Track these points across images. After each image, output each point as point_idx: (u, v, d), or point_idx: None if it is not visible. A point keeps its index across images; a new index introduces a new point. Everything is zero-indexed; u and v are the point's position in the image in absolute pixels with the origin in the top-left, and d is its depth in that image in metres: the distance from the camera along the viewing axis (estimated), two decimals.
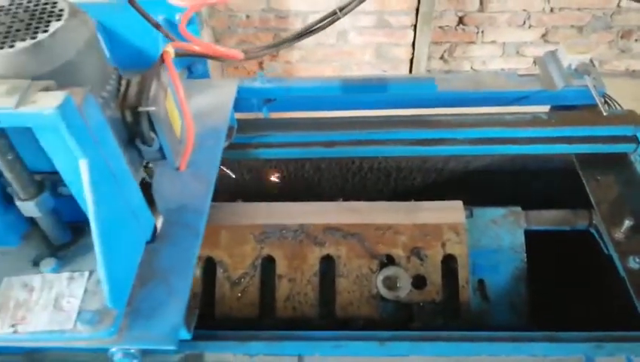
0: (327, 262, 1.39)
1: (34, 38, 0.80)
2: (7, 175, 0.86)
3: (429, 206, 1.44)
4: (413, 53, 3.48)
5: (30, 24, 0.82)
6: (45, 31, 0.81)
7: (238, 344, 1.07)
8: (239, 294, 1.38)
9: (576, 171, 1.51)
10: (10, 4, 0.86)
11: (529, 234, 1.43)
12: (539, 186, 1.59)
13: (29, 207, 0.91)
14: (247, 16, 3.27)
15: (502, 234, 1.42)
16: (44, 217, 0.95)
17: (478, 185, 1.60)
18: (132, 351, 0.96)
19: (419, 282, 1.36)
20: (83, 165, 0.79)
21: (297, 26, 3.27)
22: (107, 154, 0.84)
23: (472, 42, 3.51)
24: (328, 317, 1.36)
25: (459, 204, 1.43)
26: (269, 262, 1.40)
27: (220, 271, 1.39)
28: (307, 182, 1.77)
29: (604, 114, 1.53)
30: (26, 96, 0.73)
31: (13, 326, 0.90)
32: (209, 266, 1.41)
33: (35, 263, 0.98)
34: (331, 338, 1.09)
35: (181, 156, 1.04)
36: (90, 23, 0.87)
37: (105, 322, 0.89)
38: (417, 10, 3.22)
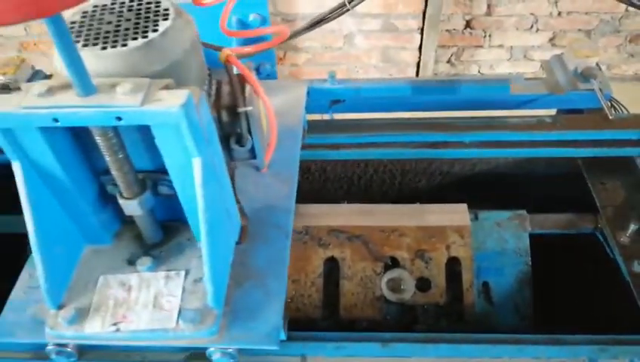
0: (332, 263, 1.40)
1: (145, 37, 0.80)
2: (115, 173, 0.87)
3: (434, 208, 1.44)
4: (419, 57, 3.48)
5: (138, 23, 0.83)
6: (155, 30, 0.81)
7: None
8: None
9: (582, 175, 1.51)
10: (113, 3, 0.87)
11: (534, 238, 1.43)
12: (544, 190, 1.58)
13: (131, 206, 0.91)
14: None
15: (507, 237, 1.42)
16: (143, 216, 0.95)
17: (483, 188, 1.60)
18: (230, 350, 0.94)
19: (423, 284, 1.37)
20: (197, 163, 0.80)
21: None
22: (213, 153, 0.85)
23: (480, 46, 3.51)
24: (332, 319, 1.37)
25: (463, 206, 1.44)
26: None
27: None
28: (312, 184, 1.78)
29: (610, 117, 1.53)
30: (150, 95, 0.74)
31: (115, 324, 0.90)
32: None
33: (130, 262, 0.99)
34: (334, 339, 1.10)
35: (265, 156, 1.05)
36: (192, 22, 0.88)
37: (207, 321, 0.89)
38: (424, 13, 3.22)
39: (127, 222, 1.00)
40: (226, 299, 0.93)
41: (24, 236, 1.52)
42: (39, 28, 3.46)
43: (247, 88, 0.92)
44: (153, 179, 0.92)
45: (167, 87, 0.76)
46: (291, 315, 1.37)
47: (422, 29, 3.32)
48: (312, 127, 1.57)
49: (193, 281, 0.94)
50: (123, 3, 0.87)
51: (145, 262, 0.97)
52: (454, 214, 1.42)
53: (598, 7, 3.27)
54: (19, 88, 1.80)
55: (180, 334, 0.88)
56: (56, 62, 0.83)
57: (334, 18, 1.33)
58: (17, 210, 1.58)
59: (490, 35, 3.44)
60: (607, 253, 1.37)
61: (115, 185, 0.92)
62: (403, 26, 3.32)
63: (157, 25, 0.83)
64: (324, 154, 1.55)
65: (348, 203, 1.58)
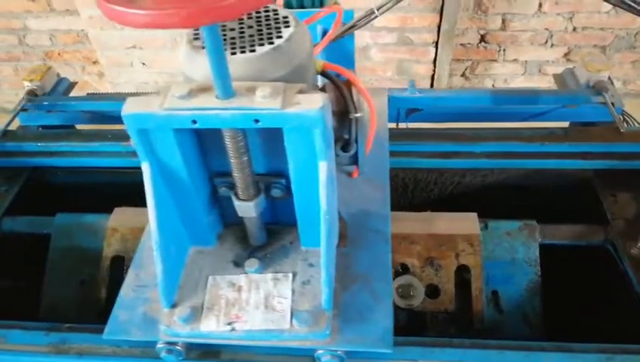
0: None
1: (271, 43, 0.84)
2: (236, 175, 0.90)
3: (444, 217, 1.46)
4: (434, 70, 3.52)
5: (261, 30, 0.87)
6: (279, 36, 0.85)
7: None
8: None
9: (592, 187, 1.52)
10: None
11: (544, 248, 1.44)
12: (554, 201, 1.60)
13: (247, 208, 0.95)
14: None
15: (516, 246, 1.43)
16: (254, 218, 0.98)
17: (494, 199, 1.62)
18: (339, 353, 0.94)
19: (432, 291, 1.38)
20: (323, 167, 0.83)
21: None
22: (332, 157, 0.87)
23: (494, 60, 3.53)
24: None
25: (473, 215, 1.45)
26: None
27: None
28: None
29: (622, 130, 1.55)
30: (288, 98, 0.77)
31: (229, 324, 0.92)
32: None
33: (236, 263, 1.01)
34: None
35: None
36: (307, 29, 0.92)
37: (320, 323, 0.90)
38: (439, 27, 3.26)
39: (229, 224, 1.03)
40: (334, 302, 0.94)
41: (45, 237, 1.58)
42: (64, 38, 3.57)
43: (355, 94, 0.93)
44: (266, 182, 0.95)
45: (301, 91, 0.79)
46: None
47: (437, 43, 3.35)
48: None
49: (301, 284, 0.96)
50: None
51: (252, 263, 0.99)
52: (464, 223, 1.44)
53: (613, 23, 3.28)
54: (45, 94, 1.87)
55: (295, 335, 0.90)
56: (186, 67, 0.86)
57: (363, 25, 1.35)
58: (39, 211, 1.64)
59: (504, 50, 3.47)
60: (618, 265, 1.38)
61: (229, 187, 0.95)
62: (418, 40, 3.36)
63: (280, 31, 0.86)
64: None
65: None
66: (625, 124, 1.63)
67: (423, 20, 3.26)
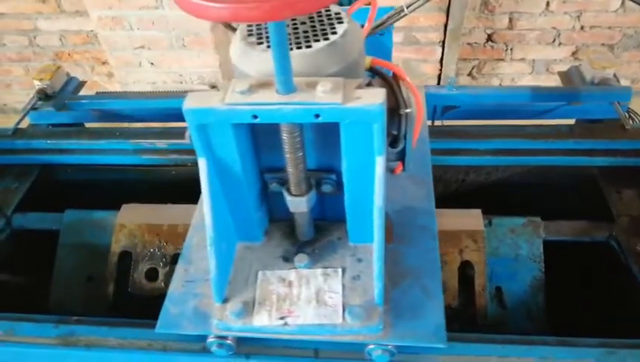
0: None
1: (326, 39, 0.85)
2: (291, 171, 0.91)
3: (449, 213, 1.47)
4: (441, 70, 3.51)
5: (315, 26, 0.88)
6: (334, 32, 0.86)
7: None
8: None
9: (597, 184, 1.52)
10: None
11: (548, 245, 1.45)
12: (558, 198, 1.60)
13: (299, 203, 0.96)
14: None
15: (520, 243, 1.44)
16: (304, 214, 0.99)
17: (498, 196, 1.62)
18: (390, 347, 0.94)
19: None
20: (379, 161, 0.84)
21: None
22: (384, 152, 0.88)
23: (501, 59, 3.53)
24: None
25: (477, 212, 1.46)
26: None
27: None
28: None
29: (627, 127, 1.55)
30: (348, 93, 0.78)
31: (282, 318, 0.93)
32: None
33: (285, 259, 1.02)
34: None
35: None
36: (359, 26, 0.93)
37: (372, 318, 0.91)
38: (445, 26, 3.26)
39: (275, 220, 1.05)
40: (384, 297, 0.94)
41: (54, 233, 1.60)
42: (74, 39, 3.61)
43: (404, 89, 0.93)
44: (317, 177, 0.96)
45: (359, 87, 0.80)
46: None
47: (443, 42, 3.36)
48: None
49: (351, 279, 0.97)
50: None
51: (302, 259, 1.00)
52: (468, 219, 1.44)
53: (622, 22, 3.26)
54: (54, 95, 1.88)
55: (348, 329, 0.90)
56: (240, 62, 0.87)
57: (392, 23, 1.35)
58: (48, 208, 1.67)
59: (511, 49, 3.46)
60: (622, 261, 1.38)
61: (280, 183, 0.96)
62: (424, 39, 3.36)
63: (334, 27, 0.87)
64: None
65: None
66: (630, 121, 1.63)
67: (429, 19, 3.26)
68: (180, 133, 1.69)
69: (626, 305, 1.39)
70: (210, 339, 0.98)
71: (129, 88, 3.11)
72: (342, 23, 0.88)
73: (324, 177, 0.96)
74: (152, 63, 2.99)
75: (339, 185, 0.97)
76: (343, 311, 0.92)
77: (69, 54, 3.71)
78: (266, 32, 0.89)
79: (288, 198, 0.95)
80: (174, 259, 1.50)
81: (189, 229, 1.15)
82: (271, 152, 0.93)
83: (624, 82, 3.51)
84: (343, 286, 0.95)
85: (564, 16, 3.25)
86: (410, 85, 0.95)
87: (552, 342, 1.08)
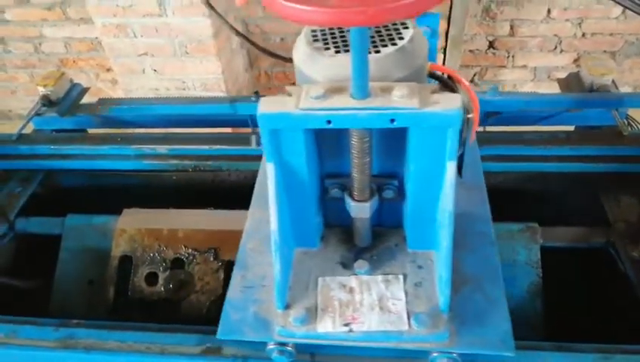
0: None
1: (394, 44, 0.85)
2: (356, 176, 0.91)
3: None
4: None
5: (380, 31, 0.89)
6: (401, 38, 0.86)
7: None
8: None
9: (594, 190, 1.52)
10: None
11: (546, 251, 1.45)
12: (556, 204, 1.60)
13: (362, 209, 0.95)
14: (282, 39, 3.40)
15: (518, 248, 1.44)
16: (365, 220, 0.99)
17: (495, 202, 1.62)
18: (454, 355, 0.92)
19: None
20: (451, 167, 0.83)
21: None
22: None
23: (503, 66, 3.54)
24: None
25: None
26: None
27: None
28: None
29: (625, 134, 1.55)
30: (424, 98, 0.78)
31: (346, 325, 0.91)
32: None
33: (344, 265, 1.01)
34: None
35: None
36: (421, 31, 0.93)
37: (438, 325, 0.89)
38: (447, 33, 3.28)
39: (330, 226, 1.04)
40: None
41: (56, 237, 1.62)
42: (79, 46, 3.65)
43: (462, 94, 0.92)
44: (378, 183, 0.96)
45: (434, 92, 0.80)
46: None
47: (444, 49, 3.37)
48: None
49: (413, 285, 0.96)
50: None
51: (362, 265, 0.99)
52: None
53: (623, 29, 3.27)
54: (58, 101, 1.90)
55: (414, 337, 0.89)
56: (306, 67, 0.88)
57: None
58: (51, 212, 1.68)
59: (513, 56, 3.47)
60: (619, 267, 1.38)
61: (341, 188, 0.96)
62: None
63: (400, 32, 0.88)
64: None
65: None
66: (629, 128, 1.63)
67: None
68: (180, 139, 1.72)
69: (623, 311, 1.39)
70: (270, 346, 0.96)
71: (132, 95, 3.14)
72: (407, 28, 0.88)
73: (386, 183, 0.96)
74: (155, 70, 3.02)
75: (400, 190, 0.97)
76: (408, 317, 0.91)
77: (73, 61, 3.75)
78: (332, 38, 0.90)
79: (351, 204, 0.95)
80: (174, 264, 1.51)
81: (242, 235, 1.14)
82: (334, 158, 0.93)
83: (626, 89, 3.53)
84: (406, 292, 0.94)
85: (566, 23, 3.26)
86: (468, 90, 0.95)
87: (547, 347, 1.08)
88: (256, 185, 1.22)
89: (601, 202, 1.48)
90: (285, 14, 0.66)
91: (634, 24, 3.24)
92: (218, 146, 1.68)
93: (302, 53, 0.90)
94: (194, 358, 1.10)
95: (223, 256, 1.48)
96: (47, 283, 1.59)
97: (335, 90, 0.80)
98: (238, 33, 1.57)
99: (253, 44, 1.56)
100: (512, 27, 3.32)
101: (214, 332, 1.14)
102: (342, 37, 0.91)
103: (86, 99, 2.02)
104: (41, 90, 1.93)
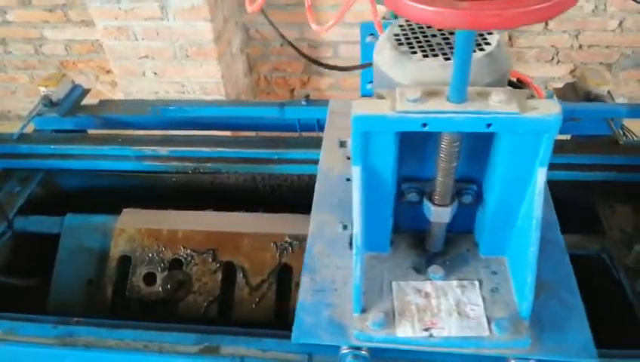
0: None
1: (482, 49, 0.86)
2: (441, 180, 0.90)
3: None
4: None
5: None
6: (487, 43, 0.87)
7: (251, 339, 1.14)
8: (257, 299, 1.45)
9: (590, 199, 1.54)
10: None
11: None
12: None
13: (442, 213, 0.94)
14: (281, 45, 3.43)
15: None
16: (442, 225, 0.98)
17: None
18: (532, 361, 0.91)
19: None
20: (541, 173, 0.83)
21: (328, 55, 3.41)
22: None
23: None
24: None
25: None
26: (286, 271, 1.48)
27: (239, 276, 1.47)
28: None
29: (620, 143, 1.58)
30: (522, 103, 0.77)
31: (426, 330, 0.90)
32: (230, 271, 1.49)
33: (417, 270, 1.01)
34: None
35: None
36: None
37: (520, 331, 0.89)
38: None
39: (399, 231, 1.04)
40: None
41: (55, 236, 1.62)
42: (79, 48, 3.66)
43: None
44: (457, 188, 0.95)
45: (528, 97, 0.79)
46: None
47: None
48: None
49: (490, 291, 0.95)
50: None
51: (437, 270, 0.99)
52: None
53: (619, 41, 3.31)
54: (59, 102, 1.92)
55: (495, 343, 0.88)
56: (392, 71, 0.89)
57: None
58: (50, 211, 1.69)
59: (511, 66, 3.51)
60: (613, 275, 1.40)
61: (419, 192, 0.96)
62: None
63: (485, 38, 0.88)
64: None
65: None
66: (624, 137, 1.66)
67: None
68: (180, 141, 1.73)
69: (619, 318, 1.40)
70: (343, 351, 0.95)
71: (132, 97, 3.16)
72: (491, 33, 0.89)
73: (465, 188, 0.95)
74: (155, 73, 3.04)
75: (477, 196, 0.97)
76: (489, 323, 0.90)
77: (73, 63, 3.76)
78: (417, 42, 0.91)
79: (432, 208, 0.94)
80: (172, 264, 1.52)
81: (308, 238, 1.13)
82: (414, 161, 0.93)
83: (622, 101, 3.56)
84: (483, 298, 0.94)
85: (563, 34, 3.30)
86: (540, 94, 0.95)
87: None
88: (317, 189, 1.21)
89: (596, 210, 1.50)
90: (418, 17, 0.65)
91: (630, 37, 3.28)
92: (218, 149, 1.69)
93: (387, 57, 0.91)
94: (192, 357, 1.11)
95: (221, 257, 1.49)
96: (44, 282, 1.59)
97: (431, 93, 0.80)
98: (290, 44, 1.58)
99: (304, 55, 1.57)
100: (510, 38, 3.36)
101: (213, 332, 1.16)
102: (427, 41, 0.91)
103: (86, 101, 2.03)
104: (43, 90, 1.94)
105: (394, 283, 0.98)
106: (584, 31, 3.28)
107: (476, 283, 0.97)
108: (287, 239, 1.48)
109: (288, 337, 1.16)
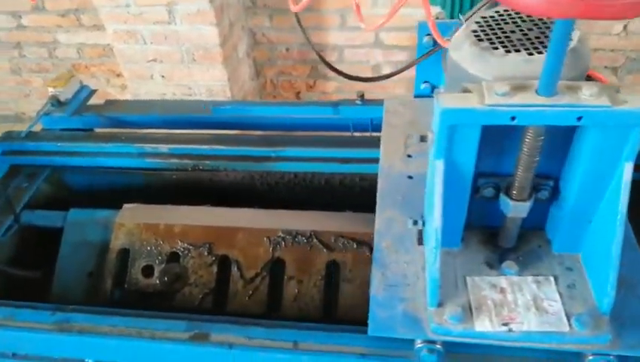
0: (334, 266, 1.48)
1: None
2: (521, 174, 0.91)
3: None
4: None
5: (544, 32, 0.91)
6: (570, 39, 0.88)
7: (240, 327, 1.17)
8: (250, 292, 1.49)
9: None
10: (500, 15, 0.98)
11: None
12: None
13: (520, 208, 0.95)
14: (287, 49, 3.48)
15: None
16: (518, 220, 0.99)
17: None
18: (611, 357, 0.92)
19: None
20: (628, 168, 0.83)
21: (334, 58, 3.45)
22: None
23: None
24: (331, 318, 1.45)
25: None
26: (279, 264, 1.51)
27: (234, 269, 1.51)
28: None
29: None
30: (613, 97, 0.78)
31: (505, 324, 0.91)
32: (225, 264, 1.53)
33: (489, 265, 1.02)
34: (325, 329, 1.17)
35: None
36: None
37: (601, 327, 0.89)
38: None
39: (470, 227, 1.05)
40: None
41: (59, 230, 1.67)
42: (90, 52, 3.76)
43: None
44: (536, 184, 0.96)
45: (616, 91, 0.80)
46: (294, 314, 1.46)
47: None
48: (314, 141, 1.68)
49: (566, 287, 0.97)
50: (511, 14, 0.97)
51: (511, 266, 1.00)
52: None
53: (624, 45, 3.31)
54: (67, 102, 1.97)
55: (576, 338, 0.89)
56: (473, 67, 0.91)
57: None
58: (55, 207, 1.75)
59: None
60: None
61: (495, 188, 0.98)
62: None
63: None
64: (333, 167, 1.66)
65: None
66: None
67: None
68: (181, 139, 1.78)
69: None
70: (418, 344, 0.96)
71: (140, 99, 3.24)
72: (573, 29, 0.92)
73: (542, 183, 0.96)
74: (163, 76, 3.11)
75: (553, 191, 0.98)
76: (568, 319, 0.91)
77: (85, 66, 3.86)
78: (497, 38, 0.93)
79: (510, 203, 0.95)
80: (170, 257, 1.56)
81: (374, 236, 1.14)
82: (493, 156, 0.94)
83: None
84: (560, 294, 0.95)
85: None
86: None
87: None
88: (379, 187, 1.24)
89: None
90: (534, 9, 0.65)
91: (635, 40, 3.28)
92: (217, 146, 1.74)
93: (467, 53, 0.93)
94: (182, 343, 1.15)
95: (216, 250, 1.53)
96: (48, 273, 1.65)
97: (519, 87, 0.81)
98: (321, 58, 1.63)
99: (327, 64, 1.64)
100: None
101: (203, 321, 1.20)
102: (506, 37, 0.93)
103: (92, 101, 2.09)
104: (51, 90, 2.01)
105: (468, 278, 0.99)
106: (589, 34, 3.28)
107: (551, 278, 0.98)
108: (280, 234, 1.52)
109: (275, 325, 1.20)
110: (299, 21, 1.50)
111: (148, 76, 3.12)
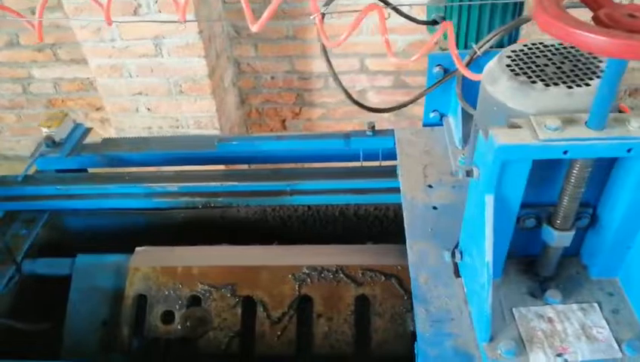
0: (363, 301, 1.46)
1: (598, 76, 0.90)
2: (567, 205, 0.92)
3: None
4: None
5: (577, 65, 0.94)
6: (602, 70, 0.90)
7: None
8: (279, 332, 1.44)
9: None
10: (529, 48, 1.00)
11: None
12: None
13: (564, 238, 0.96)
14: (272, 77, 3.48)
15: None
16: (559, 249, 0.99)
17: None
18: None
19: None
20: None
21: (319, 86, 3.46)
22: None
23: None
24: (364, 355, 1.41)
25: None
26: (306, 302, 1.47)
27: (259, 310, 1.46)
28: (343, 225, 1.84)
29: None
30: None
31: (559, 355, 0.91)
32: (249, 305, 1.48)
33: (532, 294, 1.02)
34: None
35: None
36: None
37: None
38: None
39: (509, 256, 1.04)
40: None
41: (64, 278, 1.59)
42: (68, 86, 3.66)
43: None
44: (577, 213, 0.96)
45: None
46: (325, 352, 1.42)
47: None
48: (329, 173, 1.67)
49: (611, 312, 0.97)
50: (540, 47, 0.99)
51: (555, 294, 0.99)
52: None
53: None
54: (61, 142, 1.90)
55: None
56: (513, 101, 0.92)
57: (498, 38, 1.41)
58: (57, 253, 1.66)
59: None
60: None
61: (537, 218, 0.98)
62: (413, 83, 3.50)
63: (598, 65, 0.92)
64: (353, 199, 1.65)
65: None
66: None
67: (418, 64, 3.38)
68: (190, 177, 1.73)
69: None
70: None
71: (125, 133, 3.15)
72: (601, 61, 0.94)
73: (582, 212, 0.97)
74: (148, 109, 3.04)
75: (592, 219, 1.00)
76: (619, 345, 0.92)
77: (62, 101, 3.74)
78: (533, 72, 0.95)
79: (554, 233, 0.96)
80: (190, 301, 1.50)
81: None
82: (537, 188, 0.95)
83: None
84: (607, 320, 0.95)
85: None
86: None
87: None
88: (406, 218, 1.24)
89: None
90: (595, 47, 0.67)
91: None
92: (229, 183, 1.70)
93: (505, 87, 0.94)
94: None
95: (240, 291, 1.48)
96: (55, 325, 1.56)
97: (569, 121, 0.83)
98: (341, 86, 1.63)
99: (350, 97, 1.68)
100: None
101: None
102: (541, 70, 0.95)
103: (87, 140, 2.02)
104: (45, 131, 1.93)
105: (514, 310, 0.99)
106: None
107: (595, 305, 0.99)
108: (304, 270, 1.49)
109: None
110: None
111: (133, 109, 3.06)
